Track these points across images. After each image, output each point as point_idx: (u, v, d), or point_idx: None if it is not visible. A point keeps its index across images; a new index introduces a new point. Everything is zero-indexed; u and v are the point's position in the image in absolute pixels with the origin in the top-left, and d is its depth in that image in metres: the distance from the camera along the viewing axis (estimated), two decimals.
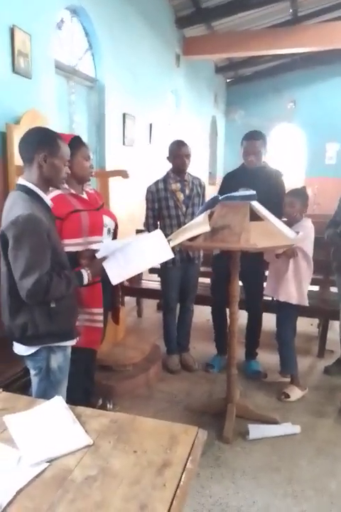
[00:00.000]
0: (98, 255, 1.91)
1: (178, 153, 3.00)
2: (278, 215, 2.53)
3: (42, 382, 1.74)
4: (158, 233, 2.04)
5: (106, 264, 1.85)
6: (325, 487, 2.09)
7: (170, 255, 1.97)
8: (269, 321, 3.27)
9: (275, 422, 2.57)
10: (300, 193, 2.83)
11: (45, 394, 1.69)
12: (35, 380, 1.77)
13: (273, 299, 2.93)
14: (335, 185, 9.45)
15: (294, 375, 2.92)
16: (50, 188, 1.88)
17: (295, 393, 2.85)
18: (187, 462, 1.02)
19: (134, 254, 1.91)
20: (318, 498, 2.03)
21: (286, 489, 2.08)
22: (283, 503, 1.99)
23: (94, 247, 2.02)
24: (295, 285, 2.76)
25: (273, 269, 2.85)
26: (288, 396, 2.83)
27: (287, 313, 2.85)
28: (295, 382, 2.90)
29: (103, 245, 2.01)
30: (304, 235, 2.63)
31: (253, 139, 2.94)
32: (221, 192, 2.75)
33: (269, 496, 2.04)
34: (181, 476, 0.98)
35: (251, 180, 2.76)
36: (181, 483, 0.96)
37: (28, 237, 1.55)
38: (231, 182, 2.98)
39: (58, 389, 1.75)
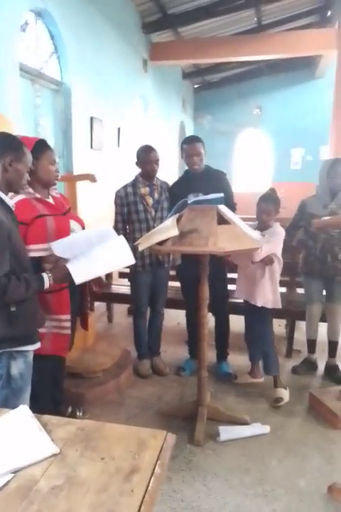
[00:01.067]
0: (56, 252, 1.90)
1: (147, 159, 3.01)
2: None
3: (4, 390, 1.70)
4: (121, 239, 2.05)
5: (69, 265, 1.84)
6: (294, 486, 2.13)
7: (132, 261, 1.99)
8: (236, 322, 3.31)
9: (245, 423, 2.60)
10: (274, 199, 2.87)
11: (7, 402, 1.65)
12: None
13: (245, 302, 2.95)
14: (301, 189, 9.65)
15: (277, 375, 2.94)
16: (12, 194, 1.85)
17: (285, 393, 2.87)
18: (155, 467, 1.02)
19: (97, 257, 1.92)
20: (288, 496, 2.06)
21: (257, 489, 2.10)
22: (253, 503, 2.01)
23: (55, 243, 1.99)
24: (272, 289, 2.82)
25: (246, 273, 2.86)
26: (281, 399, 2.82)
27: (264, 316, 2.88)
28: (279, 383, 2.92)
29: (62, 242, 1.98)
30: (276, 240, 2.70)
31: (194, 141, 3.00)
32: (171, 202, 2.80)
33: (240, 496, 2.06)
34: (149, 481, 0.97)
35: (198, 184, 2.84)
36: (149, 488, 0.95)
37: None
38: (178, 189, 3.03)
39: (20, 396, 1.71)
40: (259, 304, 2.81)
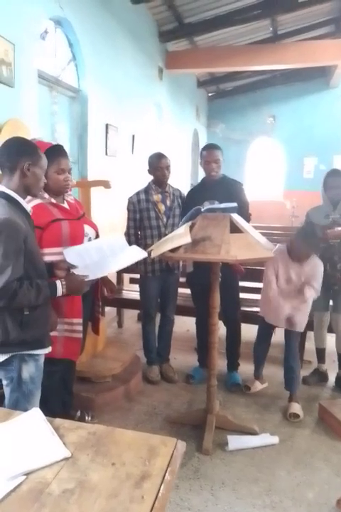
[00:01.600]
0: (67, 258, 1.94)
1: (158, 165, 3.04)
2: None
3: (14, 393, 1.72)
4: (133, 247, 2.19)
5: (79, 271, 1.90)
6: (302, 497, 2.12)
7: (144, 254, 2.11)
8: (247, 331, 3.30)
9: (254, 433, 2.59)
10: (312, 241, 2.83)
11: (17, 405, 1.67)
12: (7, 391, 1.74)
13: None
14: (313, 198, 9.59)
15: (296, 393, 2.92)
16: (29, 198, 1.88)
17: (300, 410, 2.83)
18: (165, 474, 1.02)
19: (106, 258, 2.01)
20: (296, 508, 2.05)
21: (265, 500, 2.09)
22: None
23: (67, 250, 2.03)
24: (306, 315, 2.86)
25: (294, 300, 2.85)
26: (297, 416, 2.78)
27: (297, 335, 2.92)
28: (295, 399, 2.90)
29: (76, 251, 2.01)
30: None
31: (213, 148, 3.03)
32: (186, 208, 2.82)
33: (248, 506, 2.05)
34: (159, 488, 0.98)
35: (214, 192, 2.85)
36: (159, 494, 0.96)
37: (2, 241, 1.56)
38: (194, 197, 3.06)
39: (30, 400, 1.73)
40: (298, 329, 2.84)
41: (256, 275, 3.35)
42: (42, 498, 0.96)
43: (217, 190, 2.92)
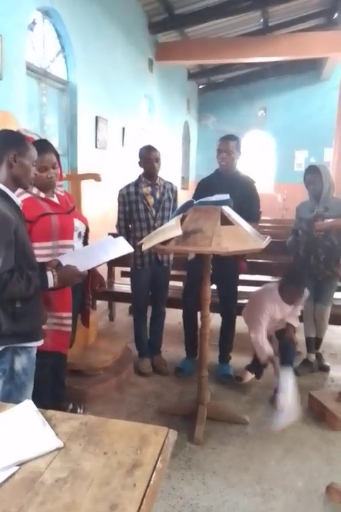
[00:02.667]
0: (63, 263, 1.93)
1: (148, 157, 3.04)
2: (252, 220, 2.60)
3: (7, 385, 1.72)
4: (119, 238, 2.23)
5: (67, 260, 1.92)
6: (292, 485, 2.15)
7: (131, 249, 2.16)
8: (241, 323, 3.32)
9: (245, 423, 2.62)
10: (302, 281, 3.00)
11: (10, 397, 1.67)
12: None
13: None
14: (303, 191, 9.71)
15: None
16: (20, 191, 1.87)
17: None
18: (157, 462, 1.04)
19: (96, 252, 2.06)
20: (286, 496, 2.08)
21: (255, 488, 2.13)
22: (252, 502, 2.04)
23: (60, 256, 2.03)
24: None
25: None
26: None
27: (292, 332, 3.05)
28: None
29: (68, 256, 2.02)
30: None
31: (228, 139, 3.04)
32: (195, 197, 2.81)
33: (239, 495, 2.08)
34: (151, 476, 0.99)
35: (226, 186, 2.83)
36: (151, 482, 0.97)
37: None
38: (206, 187, 3.05)
39: (23, 392, 1.74)
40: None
41: (256, 268, 3.40)
42: (35, 487, 0.96)
43: (229, 183, 2.90)
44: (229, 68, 9.57)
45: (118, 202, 3.14)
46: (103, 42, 5.02)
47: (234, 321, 3.28)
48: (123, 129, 5.82)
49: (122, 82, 5.71)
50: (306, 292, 2.95)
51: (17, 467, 1.04)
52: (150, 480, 0.98)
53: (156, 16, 6.69)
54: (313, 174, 3.09)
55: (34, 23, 3.83)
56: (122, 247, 2.13)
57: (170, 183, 3.25)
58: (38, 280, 1.72)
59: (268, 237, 2.57)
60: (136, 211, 3.07)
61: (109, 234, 3.74)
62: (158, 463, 1.04)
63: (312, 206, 3.14)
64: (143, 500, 0.92)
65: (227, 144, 2.99)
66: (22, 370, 1.74)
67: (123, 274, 4.29)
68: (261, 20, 7.53)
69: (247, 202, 2.86)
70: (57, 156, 2.24)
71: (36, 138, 2.29)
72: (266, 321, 2.85)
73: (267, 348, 2.81)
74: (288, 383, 2.56)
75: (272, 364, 2.80)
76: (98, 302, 4.07)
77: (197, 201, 2.44)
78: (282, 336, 3.00)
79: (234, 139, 3.03)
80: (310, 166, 3.22)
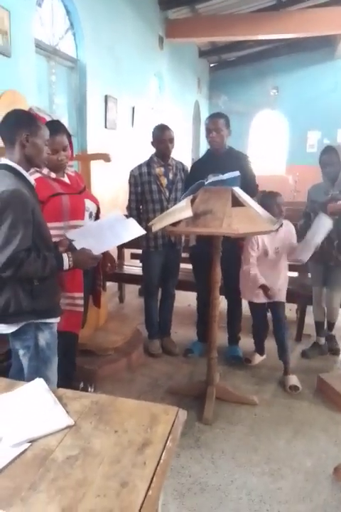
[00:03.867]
0: (74, 243, 1.92)
1: (162, 137, 2.99)
2: (250, 195, 2.56)
3: (33, 361, 1.76)
4: (130, 219, 2.19)
5: (80, 243, 1.91)
6: (300, 466, 2.17)
7: (142, 231, 2.11)
8: (247, 306, 3.31)
9: (253, 404, 2.64)
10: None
11: (38, 372, 1.71)
12: (25, 361, 1.78)
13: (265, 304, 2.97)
14: (316, 173, 9.50)
15: (289, 361, 2.96)
16: (31, 171, 1.86)
17: (296, 380, 2.88)
18: (167, 441, 1.05)
19: (108, 234, 2.01)
20: (294, 475, 2.10)
21: (264, 468, 2.15)
22: (260, 481, 2.06)
23: (70, 232, 2.02)
24: (286, 281, 2.97)
25: (272, 269, 2.88)
26: (296, 388, 2.82)
27: (282, 306, 2.97)
28: (290, 369, 2.95)
29: (78, 233, 2.01)
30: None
31: (216, 116, 2.97)
32: (190, 180, 2.78)
33: (247, 474, 2.10)
34: (161, 455, 1.00)
35: (219, 164, 2.78)
36: (161, 461, 0.98)
37: (11, 211, 1.58)
38: (199, 168, 3.02)
39: (49, 366, 1.79)
40: (282, 300, 2.92)
41: None
42: (46, 463, 0.98)
43: (222, 162, 2.85)
44: (241, 46, 9.34)
45: (130, 183, 3.11)
46: (112, 19, 4.92)
47: (240, 302, 3.27)
48: (133, 108, 5.75)
49: (132, 59, 5.62)
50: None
51: (29, 444, 1.06)
52: (160, 458, 0.99)
53: None
54: (330, 155, 2.98)
55: None
56: (134, 230, 2.11)
57: (181, 163, 3.21)
58: (54, 261, 1.73)
59: (281, 219, 2.55)
60: (148, 192, 3.03)
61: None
62: (168, 442, 1.05)
63: (326, 188, 3.04)
64: (153, 477, 0.93)
65: (216, 123, 2.92)
66: (46, 345, 1.78)
67: (133, 256, 4.29)
68: None
69: (242, 179, 2.80)
70: (69, 136, 2.23)
71: (48, 118, 2.27)
72: (255, 251, 2.81)
73: (259, 277, 2.77)
74: (321, 227, 2.68)
75: (264, 291, 2.76)
76: (108, 284, 4.09)
77: (208, 182, 2.40)
78: (276, 330, 2.96)
79: (223, 117, 2.96)
80: (327, 146, 3.12)
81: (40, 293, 1.72)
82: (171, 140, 3.02)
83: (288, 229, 2.90)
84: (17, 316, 1.70)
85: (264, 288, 2.75)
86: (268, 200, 2.80)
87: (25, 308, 1.69)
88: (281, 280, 2.91)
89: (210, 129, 2.92)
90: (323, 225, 2.77)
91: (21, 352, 1.78)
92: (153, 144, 3.07)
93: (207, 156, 3.13)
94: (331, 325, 3.35)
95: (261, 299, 2.86)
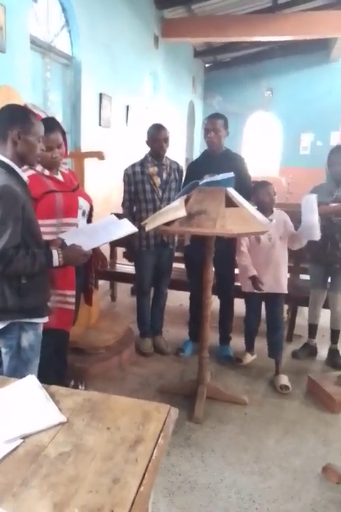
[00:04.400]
0: (66, 241, 1.92)
1: (157, 136, 3.00)
2: (245, 197, 2.58)
3: (13, 360, 1.74)
4: (123, 219, 2.19)
5: (71, 239, 1.91)
6: (290, 465, 2.19)
7: (134, 229, 2.11)
8: (239, 305, 3.33)
9: (244, 403, 2.66)
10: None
11: (16, 372, 1.70)
12: (5, 359, 1.76)
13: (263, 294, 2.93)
14: (309, 175, 9.58)
15: (280, 361, 2.99)
16: (24, 168, 1.85)
17: (287, 380, 2.90)
18: (159, 438, 1.06)
19: (100, 232, 2.05)
20: (283, 475, 2.12)
21: (253, 467, 2.17)
22: (250, 480, 2.08)
23: (64, 234, 2.02)
24: (285, 273, 2.91)
25: (269, 260, 2.86)
26: (287, 388, 2.84)
27: (281, 301, 2.97)
28: (281, 369, 2.97)
29: (71, 233, 2.01)
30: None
31: (214, 117, 2.99)
32: (187, 181, 2.79)
33: (237, 473, 2.12)
34: (153, 451, 1.01)
35: (215, 165, 2.79)
36: (153, 457, 0.99)
37: (0, 207, 1.56)
38: (195, 169, 3.03)
39: (29, 367, 1.76)
40: (278, 291, 2.88)
41: None
42: (39, 459, 0.99)
43: (218, 163, 2.86)
44: (236, 47, 9.37)
45: (124, 182, 3.11)
46: (108, 16, 4.91)
47: (232, 302, 3.29)
48: (128, 107, 5.74)
49: (127, 58, 5.61)
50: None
51: (21, 440, 1.06)
52: (152, 455, 1.00)
53: None
54: (338, 155, 2.98)
55: None
56: (126, 227, 2.12)
57: (176, 162, 3.21)
58: (44, 258, 1.72)
59: (274, 219, 2.57)
60: (142, 192, 3.04)
61: (113, 214, 3.74)
62: (160, 439, 1.06)
63: (330, 189, 3.01)
64: (144, 474, 0.94)
65: (215, 123, 2.94)
66: (28, 346, 1.76)
67: (125, 254, 4.29)
68: None
69: (238, 180, 2.82)
70: (64, 134, 2.22)
71: (44, 116, 2.26)
72: (245, 239, 2.84)
73: (250, 268, 2.80)
74: (309, 204, 2.67)
75: (253, 283, 2.78)
76: (100, 282, 4.08)
77: (203, 182, 2.42)
78: (273, 328, 2.97)
79: (221, 118, 2.98)
80: (337, 145, 3.13)
81: (28, 291, 1.70)
82: (166, 139, 3.03)
83: (282, 218, 2.88)
84: (2, 314, 1.68)
85: (254, 279, 2.76)
86: (259, 189, 2.84)
87: (11, 306, 1.67)
88: (277, 271, 2.86)
89: (208, 129, 2.94)
90: (308, 201, 2.73)
91: (3, 350, 1.76)
92: (147, 142, 3.07)
93: (203, 157, 3.15)
94: (336, 334, 3.24)
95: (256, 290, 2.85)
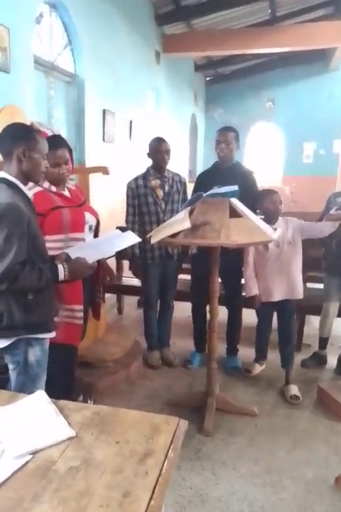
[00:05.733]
0: (72, 256, 1.93)
1: (158, 149, 3.03)
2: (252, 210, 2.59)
3: (20, 377, 1.74)
4: (126, 232, 2.23)
5: (75, 252, 1.93)
6: (302, 476, 2.16)
7: (138, 239, 2.17)
8: (247, 315, 3.32)
9: (253, 414, 2.63)
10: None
11: (24, 388, 1.69)
12: (13, 375, 1.77)
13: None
14: (312, 183, 9.66)
15: (291, 371, 2.96)
16: (31, 184, 1.88)
17: (297, 390, 2.87)
18: (168, 451, 1.05)
19: (103, 245, 2.08)
20: (295, 486, 2.09)
21: (265, 479, 2.14)
22: (261, 492, 2.05)
23: (69, 249, 2.03)
24: (299, 278, 2.86)
25: (280, 269, 2.83)
26: (297, 398, 2.81)
27: (292, 309, 2.93)
28: (291, 379, 2.94)
29: (76, 248, 2.03)
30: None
31: (227, 130, 3.02)
32: (195, 191, 2.81)
33: (248, 485, 2.09)
34: (163, 465, 1.01)
35: (225, 178, 2.81)
36: (163, 471, 0.99)
37: (6, 224, 1.58)
38: (205, 180, 3.05)
39: (37, 383, 1.76)
40: (292, 297, 2.85)
41: None
42: (49, 475, 0.98)
43: (227, 175, 2.88)
44: (236, 60, 9.49)
45: (127, 195, 3.14)
46: (110, 34, 5.00)
47: (241, 313, 3.28)
48: (131, 122, 5.82)
49: (129, 74, 5.69)
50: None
51: (31, 456, 1.06)
52: (162, 468, 1.00)
53: (163, 8, 6.65)
54: None
55: (41, 15, 3.83)
56: (130, 238, 2.14)
57: (178, 174, 3.23)
58: (49, 272, 1.73)
59: (279, 229, 2.57)
60: (145, 204, 3.06)
61: (117, 228, 3.75)
62: (170, 452, 1.05)
63: None
64: (155, 487, 0.94)
65: (226, 135, 2.97)
66: (35, 361, 1.76)
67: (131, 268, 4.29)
68: (269, 10, 7.44)
69: (247, 193, 2.82)
70: (70, 151, 2.26)
71: (50, 133, 2.30)
72: (252, 250, 2.85)
73: (252, 285, 2.83)
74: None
75: (254, 301, 2.82)
76: (107, 295, 4.09)
77: (207, 194, 2.43)
78: (285, 337, 2.95)
79: (233, 131, 3.02)
80: None
81: (34, 307, 1.71)
82: (167, 152, 3.06)
83: (287, 224, 2.84)
84: (9, 331, 1.69)
85: (253, 299, 2.81)
86: (264, 197, 2.83)
87: (17, 322, 1.67)
88: (290, 276, 2.82)
89: (220, 141, 2.97)
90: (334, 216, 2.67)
91: (11, 366, 1.76)
92: (149, 155, 3.10)
93: (214, 169, 3.17)
94: None
95: (271, 297, 2.84)
